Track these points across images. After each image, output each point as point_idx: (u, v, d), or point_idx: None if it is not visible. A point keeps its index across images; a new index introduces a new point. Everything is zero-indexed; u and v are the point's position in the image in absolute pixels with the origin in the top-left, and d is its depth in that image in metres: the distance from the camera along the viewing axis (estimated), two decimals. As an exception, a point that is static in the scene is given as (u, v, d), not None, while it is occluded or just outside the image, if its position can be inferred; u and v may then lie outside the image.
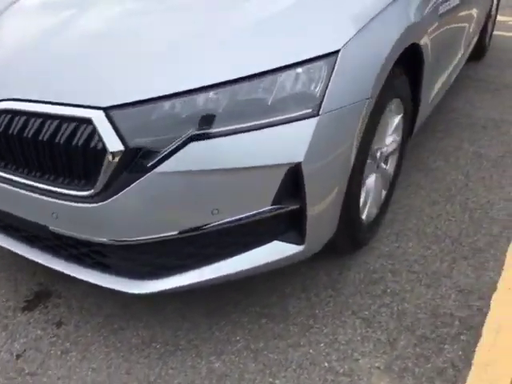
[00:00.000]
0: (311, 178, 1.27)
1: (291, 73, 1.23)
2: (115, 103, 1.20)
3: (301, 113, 1.23)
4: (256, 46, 1.27)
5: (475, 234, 2.02)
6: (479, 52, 3.94)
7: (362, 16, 1.38)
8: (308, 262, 1.81)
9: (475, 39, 3.51)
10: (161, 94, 1.18)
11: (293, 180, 1.26)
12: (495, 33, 4.80)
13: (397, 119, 1.85)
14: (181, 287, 1.34)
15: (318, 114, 1.24)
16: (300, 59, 1.24)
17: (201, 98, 1.18)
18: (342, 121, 1.29)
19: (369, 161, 1.73)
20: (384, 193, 1.98)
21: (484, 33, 3.80)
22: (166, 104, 1.18)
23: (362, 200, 1.72)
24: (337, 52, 1.27)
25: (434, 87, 2.19)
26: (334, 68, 1.26)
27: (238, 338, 1.56)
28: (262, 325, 1.60)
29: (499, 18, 5.37)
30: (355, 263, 1.85)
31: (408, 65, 1.84)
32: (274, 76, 1.22)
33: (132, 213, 1.24)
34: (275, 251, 1.37)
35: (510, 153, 2.65)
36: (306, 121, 1.23)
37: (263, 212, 1.27)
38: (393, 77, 1.63)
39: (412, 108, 1.97)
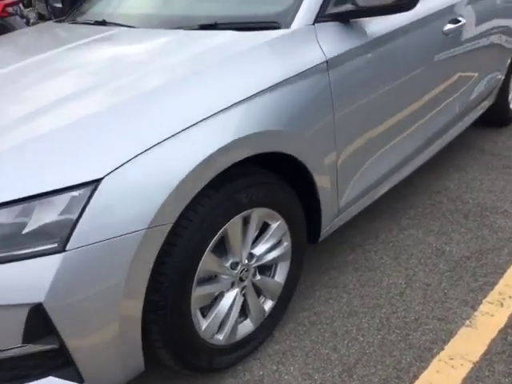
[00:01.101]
0: (63, 316, 1.14)
1: (41, 203, 1.12)
2: None
3: (43, 248, 1.11)
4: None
5: (376, 365, 1.69)
6: (500, 119, 3.47)
7: (145, 139, 1.22)
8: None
9: (484, 104, 3.09)
10: None
11: (40, 319, 1.13)
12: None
13: (274, 226, 1.64)
14: None
15: (63, 250, 1.11)
16: (51, 188, 1.13)
17: None
18: (103, 255, 1.14)
19: (224, 276, 1.55)
20: (271, 304, 1.75)
21: (504, 95, 3.33)
22: None
23: (208, 321, 1.52)
24: (96, 181, 1.13)
25: (350, 185, 1.92)
26: (89, 200, 1.12)
27: None
28: None
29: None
30: (212, 390, 1.63)
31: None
32: (20, 206, 1.12)
33: None
34: (54, 387, 1.24)
35: (480, 254, 2.24)
36: (49, 257, 1.10)
37: (13, 349, 1.15)
38: (246, 187, 1.46)
39: (305, 212, 1.74)
